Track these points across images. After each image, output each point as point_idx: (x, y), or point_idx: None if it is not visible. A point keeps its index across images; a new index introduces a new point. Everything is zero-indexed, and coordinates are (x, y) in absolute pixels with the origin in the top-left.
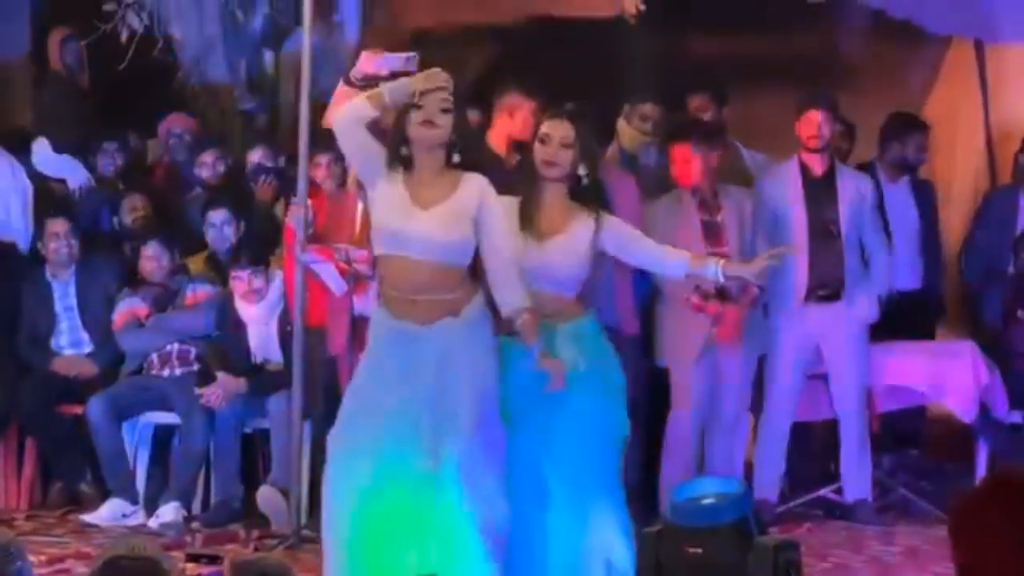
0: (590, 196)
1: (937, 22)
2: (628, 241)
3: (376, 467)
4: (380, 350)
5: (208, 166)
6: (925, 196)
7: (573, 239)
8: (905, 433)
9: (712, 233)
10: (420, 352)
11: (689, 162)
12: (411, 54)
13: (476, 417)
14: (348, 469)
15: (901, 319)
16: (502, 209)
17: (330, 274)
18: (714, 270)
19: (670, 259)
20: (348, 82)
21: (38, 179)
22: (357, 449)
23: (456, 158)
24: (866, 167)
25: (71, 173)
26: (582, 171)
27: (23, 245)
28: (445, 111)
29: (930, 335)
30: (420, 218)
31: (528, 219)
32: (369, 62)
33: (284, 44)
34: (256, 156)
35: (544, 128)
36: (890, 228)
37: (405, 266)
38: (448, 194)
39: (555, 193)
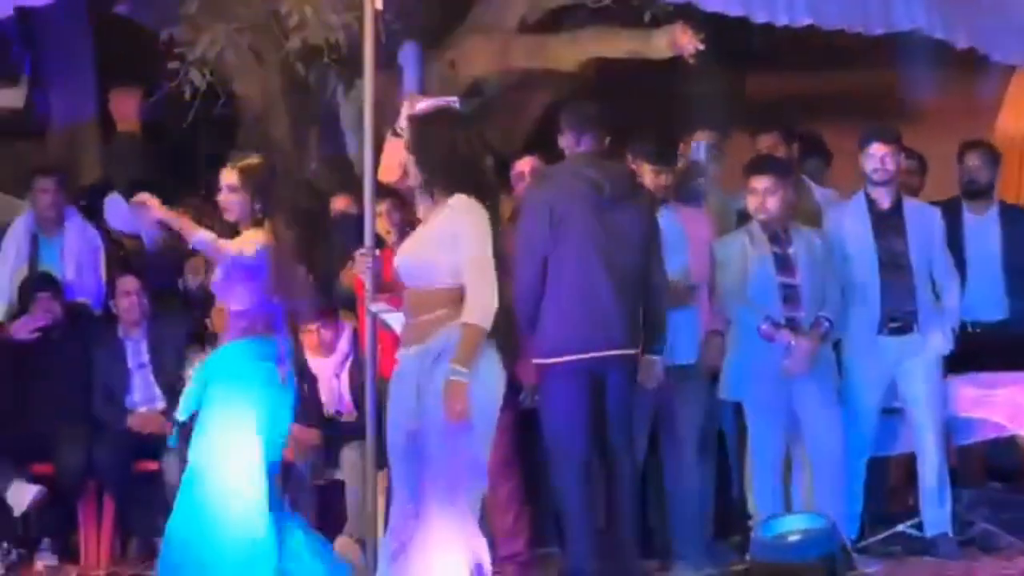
0: None
1: (1000, 52)
2: None
3: None
4: None
5: None
6: (1016, 225)
7: None
8: (990, 466)
9: (784, 265)
10: None
11: (769, 194)
12: None
13: None
14: None
15: (987, 351)
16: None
17: (400, 322)
18: None
19: None
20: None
21: (109, 238)
22: None
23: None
24: (954, 201)
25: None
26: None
27: (96, 304)
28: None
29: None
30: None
31: None
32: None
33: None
34: (340, 204)
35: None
36: (966, 258)
37: None
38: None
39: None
